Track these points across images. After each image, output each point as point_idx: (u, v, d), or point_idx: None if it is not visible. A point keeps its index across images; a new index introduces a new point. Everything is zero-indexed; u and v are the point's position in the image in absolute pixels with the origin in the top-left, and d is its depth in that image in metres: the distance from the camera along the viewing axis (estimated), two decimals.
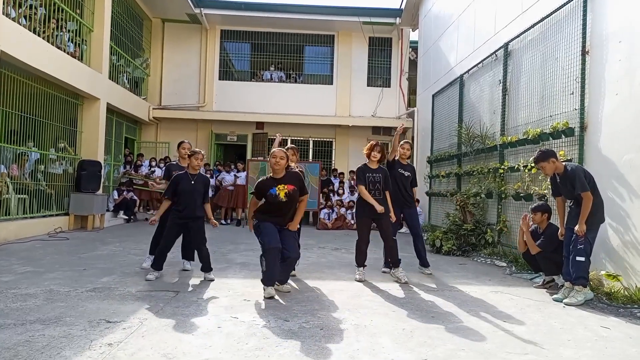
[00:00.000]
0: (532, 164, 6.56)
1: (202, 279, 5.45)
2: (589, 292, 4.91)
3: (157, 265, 5.42)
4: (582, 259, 4.80)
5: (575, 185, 4.77)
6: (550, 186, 5.40)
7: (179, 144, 6.29)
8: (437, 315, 4.25)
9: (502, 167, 7.65)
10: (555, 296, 5.05)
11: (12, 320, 3.62)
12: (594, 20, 5.81)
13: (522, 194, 6.94)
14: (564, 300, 4.89)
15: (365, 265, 5.85)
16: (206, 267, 5.50)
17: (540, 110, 6.88)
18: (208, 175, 8.82)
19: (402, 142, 6.47)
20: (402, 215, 6.29)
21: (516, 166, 7.13)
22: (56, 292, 4.55)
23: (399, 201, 6.12)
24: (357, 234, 5.85)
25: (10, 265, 5.89)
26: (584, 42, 5.91)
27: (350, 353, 3.20)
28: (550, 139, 6.44)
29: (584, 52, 5.90)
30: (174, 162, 6.56)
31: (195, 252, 5.71)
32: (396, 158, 6.39)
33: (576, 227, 4.79)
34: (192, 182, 5.42)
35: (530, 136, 6.74)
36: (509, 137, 7.50)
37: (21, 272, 5.45)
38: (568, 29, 6.27)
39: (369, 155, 5.80)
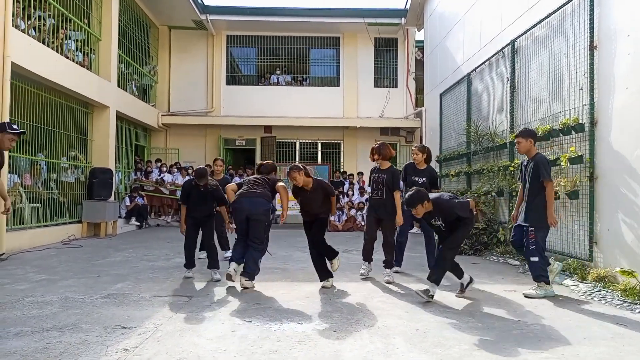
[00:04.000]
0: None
1: (210, 279, 5.57)
2: (550, 290, 5.01)
3: (189, 263, 5.85)
4: (536, 259, 5.01)
5: (541, 172, 4.92)
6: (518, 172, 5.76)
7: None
8: (450, 315, 4.24)
9: (513, 164, 7.60)
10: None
11: (29, 328, 3.66)
12: (601, 15, 5.77)
13: None
14: (524, 292, 5.06)
15: (372, 260, 6.00)
16: (211, 264, 5.78)
17: (550, 107, 6.83)
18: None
19: (413, 147, 6.53)
20: (414, 221, 6.32)
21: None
22: (71, 299, 4.60)
23: None
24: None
25: (26, 273, 5.96)
26: (591, 37, 5.87)
27: (364, 355, 3.20)
28: (561, 135, 6.39)
29: (592, 47, 5.86)
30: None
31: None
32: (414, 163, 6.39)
33: (549, 220, 4.97)
34: (202, 190, 5.78)
35: (540, 133, 6.69)
36: None
37: (36, 280, 5.52)
38: (575, 24, 6.23)
39: (373, 161, 6.08)
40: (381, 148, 5.97)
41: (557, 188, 6.31)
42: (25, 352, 3.15)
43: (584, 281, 5.48)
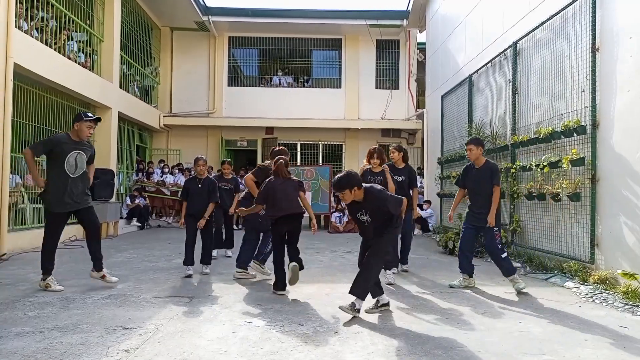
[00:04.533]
0: (544, 163, 6.53)
1: (203, 275, 5.50)
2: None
3: (188, 260, 6.06)
4: (505, 254, 5.38)
5: (494, 177, 5.37)
6: (460, 175, 5.87)
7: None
8: (452, 317, 4.23)
9: (514, 166, 7.60)
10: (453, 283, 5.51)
11: (30, 328, 3.66)
12: (603, 17, 5.76)
13: (534, 194, 6.89)
14: (521, 288, 5.20)
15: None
16: (204, 259, 6.17)
17: (551, 109, 6.83)
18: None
19: (391, 147, 6.47)
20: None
21: (528, 165, 7.07)
22: (72, 300, 4.60)
23: None
24: None
25: (27, 274, 5.96)
26: (593, 39, 5.86)
27: (365, 356, 3.20)
28: (562, 137, 6.39)
29: (594, 49, 5.85)
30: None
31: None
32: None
33: (488, 218, 5.31)
34: (199, 186, 6.17)
35: (541, 135, 6.70)
36: (520, 137, 7.45)
37: (37, 281, 5.50)
38: (577, 26, 6.23)
39: (369, 163, 6.08)
40: (382, 152, 6.08)
41: (558, 190, 6.31)
42: (27, 352, 3.16)
43: (585, 283, 5.47)
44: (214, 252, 7.01)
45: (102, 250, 5.29)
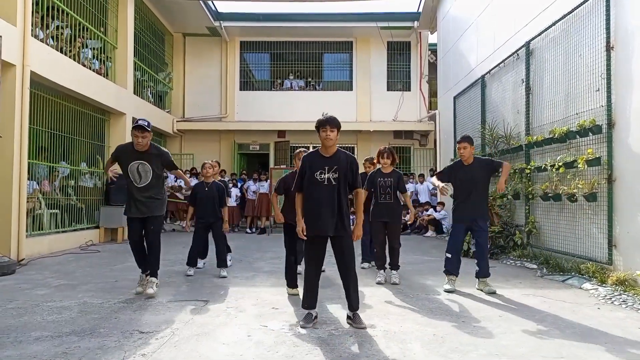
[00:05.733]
0: (559, 164, 6.46)
1: (218, 275, 5.52)
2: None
3: (191, 261, 6.32)
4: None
5: (494, 162, 5.51)
6: (444, 169, 5.81)
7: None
8: (467, 319, 4.20)
9: (529, 167, 7.53)
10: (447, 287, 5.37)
11: (49, 333, 3.72)
12: (617, 15, 5.69)
13: (550, 194, 6.81)
14: (493, 291, 5.20)
15: (387, 268, 6.02)
16: (220, 263, 6.23)
17: (566, 109, 6.75)
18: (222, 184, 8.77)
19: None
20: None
21: (543, 166, 7.00)
22: (90, 304, 4.66)
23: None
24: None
25: (45, 278, 6.05)
26: (608, 37, 5.79)
27: None
28: (578, 137, 6.32)
29: (608, 48, 5.78)
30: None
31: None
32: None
33: (499, 185, 5.35)
34: (206, 189, 6.30)
35: (556, 135, 6.63)
36: (535, 137, 7.38)
37: (55, 285, 5.60)
38: (591, 25, 6.16)
39: (378, 162, 6.09)
40: (393, 152, 6.05)
41: (574, 190, 6.23)
42: (46, 356, 3.20)
43: (604, 285, 5.39)
44: (200, 263, 6.85)
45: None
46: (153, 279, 5.06)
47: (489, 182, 5.58)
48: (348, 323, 4.00)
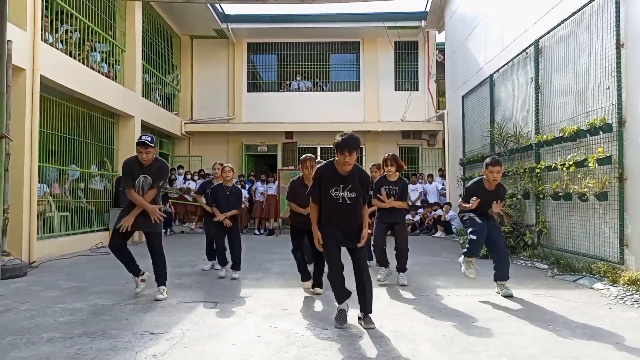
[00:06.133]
0: (570, 163, 6.41)
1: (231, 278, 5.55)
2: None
3: (222, 261, 6.42)
4: None
5: (504, 196, 5.35)
6: (469, 193, 5.26)
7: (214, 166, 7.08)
8: (477, 320, 4.18)
9: (539, 166, 7.47)
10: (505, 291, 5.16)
11: (61, 334, 3.74)
12: (627, 12, 5.64)
13: (561, 194, 6.76)
14: (510, 294, 5.08)
15: (389, 263, 6.01)
16: (235, 265, 6.25)
17: (576, 107, 6.70)
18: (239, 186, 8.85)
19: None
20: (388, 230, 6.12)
21: (553, 165, 6.95)
22: (100, 306, 4.69)
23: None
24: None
25: (56, 280, 6.10)
26: (618, 34, 5.74)
27: None
28: (588, 135, 6.26)
29: (618, 45, 5.73)
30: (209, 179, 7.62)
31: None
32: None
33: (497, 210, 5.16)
34: (227, 194, 6.37)
35: (566, 134, 6.57)
36: (545, 136, 7.33)
37: (66, 287, 5.64)
38: (601, 22, 6.11)
39: (384, 170, 5.96)
40: (398, 158, 5.94)
41: (585, 190, 6.18)
42: (58, 357, 3.23)
43: (615, 285, 5.34)
44: (208, 265, 6.97)
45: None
46: (162, 287, 5.11)
47: None
48: (359, 323, 4.01)
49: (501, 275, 5.18)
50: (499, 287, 5.21)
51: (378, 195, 5.77)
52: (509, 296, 5.06)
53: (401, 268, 5.91)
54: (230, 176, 6.45)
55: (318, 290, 5.30)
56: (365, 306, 4.02)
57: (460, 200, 5.36)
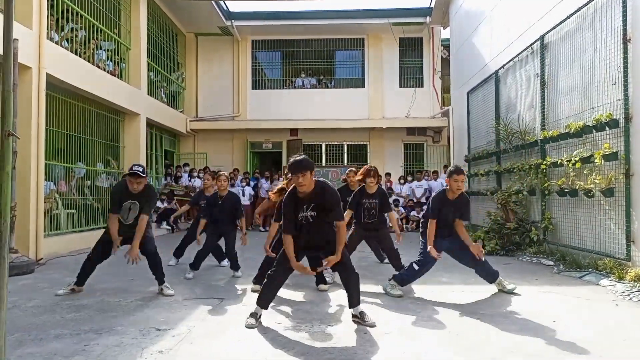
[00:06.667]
0: (576, 159, 6.38)
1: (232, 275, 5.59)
2: None
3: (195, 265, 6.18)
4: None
5: (465, 211, 5.14)
6: (436, 205, 5.01)
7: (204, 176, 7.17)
8: (482, 316, 4.17)
9: (544, 162, 7.44)
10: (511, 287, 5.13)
11: (68, 331, 3.77)
12: (634, 7, 5.59)
13: (566, 190, 6.73)
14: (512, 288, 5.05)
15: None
16: (234, 266, 6.26)
17: (582, 103, 6.66)
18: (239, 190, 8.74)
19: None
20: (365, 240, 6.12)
21: (559, 161, 6.92)
22: (107, 303, 4.72)
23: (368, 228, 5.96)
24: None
25: (63, 277, 6.13)
26: (624, 29, 5.69)
27: (395, 357, 3.18)
28: (594, 131, 6.22)
29: (625, 40, 5.68)
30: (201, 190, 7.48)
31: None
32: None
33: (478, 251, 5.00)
34: (220, 203, 6.17)
35: (572, 130, 6.54)
36: (550, 132, 7.29)
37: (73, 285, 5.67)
38: (607, 18, 6.06)
39: (362, 181, 5.87)
40: (378, 171, 5.92)
41: (591, 186, 6.15)
42: (65, 354, 3.25)
43: (622, 281, 5.31)
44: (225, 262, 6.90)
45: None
46: (163, 285, 5.16)
47: None
48: (354, 322, 3.96)
49: (490, 279, 5.15)
50: (499, 286, 5.16)
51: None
52: (511, 291, 5.04)
53: (397, 266, 5.79)
54: (225, 185, 6.17)
55: (323, 287, 5.31)
56: (351, 300, 4.01)
57: (429, 212, 5.06)
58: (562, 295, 4.99)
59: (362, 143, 16.16)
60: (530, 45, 8.15)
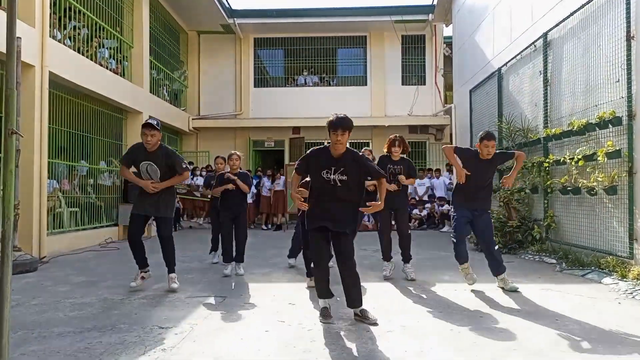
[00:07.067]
0: (579, 157, 6.36)
1: (236, 274, 5.59)
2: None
3: (227, 256, 6.17)
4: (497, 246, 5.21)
5: (507, 155, 5.35)
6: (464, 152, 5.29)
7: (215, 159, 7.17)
8: (485, 315, 4.17)
9: (547, 160, 7.42)
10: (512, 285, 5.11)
11: (71, 328, 3.79)
12: (638, 4, 5.56)
13: (569, 188, 6.72)
14: (514, 288, 5.03)
15: (392, 259, 5.94)
16: (238, 257, 6.22)
17: (585, 100, 6.64)
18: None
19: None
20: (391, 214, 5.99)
21: (562, 159, 6.90)
22: (110, 301, 4.74)
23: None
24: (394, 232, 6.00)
25: (66, 275, 6.16)
26: (628, 27, 5.66)
27: (398, 355, 3.19)
28: (597, 129, 6.20)
29: (628, 37, 5.65)
30: (212, 174, 7.55)
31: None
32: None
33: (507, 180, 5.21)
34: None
35: (575, 127, 6.52)
36: (553, 130, 7.27)
37: (76, 282, 5.70)
38: (610, 15, 6.03)
39: (389, 151, 5.88)
40: (405, 141, 5.92)
41: (594, 184, 6.14)
42: (68, 351, 3.27)
43: (624, 279, 5.30)
44: (216, 258, 6.99)
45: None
46: (173, 275, 5.20)
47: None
48: (357, 320, 3.95)
49: (494, 271, 5.16)
50: (501, 282, 5.15)
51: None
52: (513, 290, 5.03)
53: (406, 258, 5.85)
54: (237, 164, 6.26)
55: (312, 283, 5.32)
56: (351, 300, 3.99)
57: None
58: (564, 293, 4.98)
59: (364, 141, 16.12)
60: (533, 42, 8.12)
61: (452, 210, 5.23)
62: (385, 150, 5.97)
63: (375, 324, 3.85)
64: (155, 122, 4.99)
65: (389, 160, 5.84)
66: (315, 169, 4.00)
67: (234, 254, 6.22)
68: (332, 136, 3.87)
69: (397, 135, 6.02)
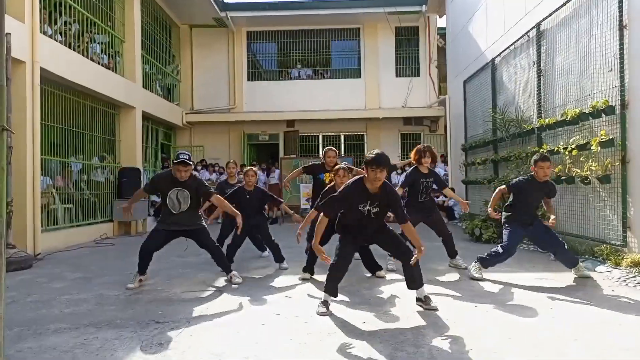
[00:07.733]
0: (572, 146, 6.39)
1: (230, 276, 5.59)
2: None
3: (230, 259, 5.99)
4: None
5: (552, 191, 5.19)
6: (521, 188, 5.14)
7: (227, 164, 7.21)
8: (482, 304, 4.20)
9: (541, 150, 7.44)
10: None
11: (67, 325, 3.78)
12: None
13: (563, 177, 6.74)
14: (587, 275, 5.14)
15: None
16: (278, 258, 6.17)
17: (578, 90, 6.65)
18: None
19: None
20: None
21: (556, 149, 6.92)
22: (106, 296, 4.73)
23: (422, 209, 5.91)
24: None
25: (61, 272, 6.14)
26: (620, 16, 5.67)
27: (394, 345, 3.20)
28: (590, 118, 6.22)
29: (621, 27, 5.66)
30: (225, 180, 7.74)
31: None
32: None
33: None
34: (247, 197, 6.14)
35: (569, 117, 6.53)
36: (547, 119, 7.29)
37: (72, 279, 5.69)
38: (603, 4, 6.03)
39: (418, 162, 5.87)
40: (433, 150, 5.95)
41: (587, 173, 6.16)
42: (64, 348, 3.26)
43: (618, 267, 5.35)
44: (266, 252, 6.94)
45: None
46: (234, 273, 5.34)
47: None
48: (418, 305, 4.13)
49: (569, 265, 5.19)
50: (577, 272, 5.18)
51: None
52: (585, 277, 5.09)
53: (451, 253, 5.97)
54: (253, 180, 6.18)
55: (306, 275, 5.41)
56: (415, 283, 4.17)
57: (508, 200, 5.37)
58: (559, 282, 5.02)
59: (359, 134, 16.14)
60: (527, 32, 8.12)
61: (506, 224, 5.26)
62: (413, 160, 5.95)
63: (435, 309, 4.00)
64: (187, 157, 5.13)
65: (420, 175, 5.83)
66: (350, 205, 4.09)
67: (274, 256, 6.21)
68: (371, 173, 3.90)
69: (425, 145, 6.06)
